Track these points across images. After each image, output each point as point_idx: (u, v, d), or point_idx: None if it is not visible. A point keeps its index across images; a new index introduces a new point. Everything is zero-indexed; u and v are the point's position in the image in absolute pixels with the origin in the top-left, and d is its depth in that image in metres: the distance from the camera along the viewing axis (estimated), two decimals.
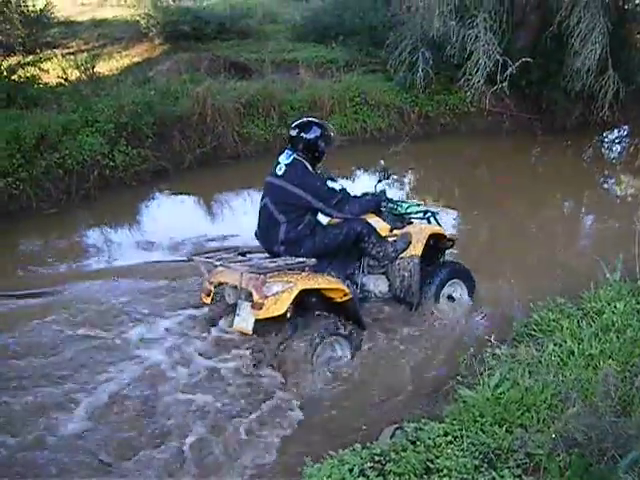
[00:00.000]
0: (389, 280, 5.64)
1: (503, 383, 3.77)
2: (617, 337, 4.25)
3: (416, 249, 5.49)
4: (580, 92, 12.39)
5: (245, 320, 4.77)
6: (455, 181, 10.39)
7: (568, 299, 5.18)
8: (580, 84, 11.83)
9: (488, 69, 11.18)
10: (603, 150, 13.68)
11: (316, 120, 5.42)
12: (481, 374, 3.97)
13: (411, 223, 5.80)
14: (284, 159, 5.14)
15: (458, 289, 5.87)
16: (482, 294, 6.03)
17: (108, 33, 16.91)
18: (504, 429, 3.34)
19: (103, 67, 13.11)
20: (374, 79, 12.55)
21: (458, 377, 4.21)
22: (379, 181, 6.04)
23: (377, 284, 5.65)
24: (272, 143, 10.63)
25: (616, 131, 14.15)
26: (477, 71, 11.17)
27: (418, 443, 3.27)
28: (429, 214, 5.95)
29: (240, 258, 5.07)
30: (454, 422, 3.48)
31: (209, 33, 14.98)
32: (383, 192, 5.87)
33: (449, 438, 3.31)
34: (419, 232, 5.61)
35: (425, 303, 5.58)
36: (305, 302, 4.88)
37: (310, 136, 5.16)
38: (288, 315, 4.66)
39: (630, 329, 4.34)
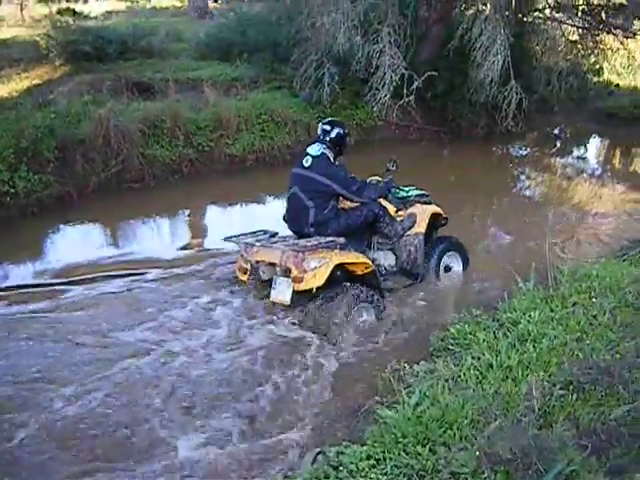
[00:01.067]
0: (396, 255, 6.50)
1: (423, 401, 3.68)
2: (534, 347, 4.23)
3: (420, 227, 6.43)
4: (484, 103, 12.64)
5: (282, 292, 5.60)
6: None
7: (483, 311, 5.16)
8: (484, 95, 12.03)
9: (394, 83, 11.22)
10: (509, 158, 13.93)
11: (340, 121, 6.69)
12: (401, 391, 3.87)
13: (413, 205, 6.58)
14: (313, 151, 5.99)
15: (454, 260, 6.79)
16: (394, 309, 6.03)
17: (6, 54, 16.29)
18: (427, 449, 3.24)
19: (1, 90, 12.61)
20: (280, 96, 12.41)
21: (377, 397, 4.12)
22: (387, 170, 6.66)
23: (386, 258, 6.54)
24: (178, 164, 10.38)
25: (521, 140, 14.46)
26: (383, 85, 11.21)
27: (341, 468, 3.17)
28: (429, 197, 6.74)
29: (274, 239, 6.02)
30: (376, 444, 3.35)
31: (111, 53, 14.51)
32: (391, 179, 6.64)
33: (372, 462, 3.20)
34: (422, 212, 6.51)
35: (427, 274, 6.45)
36: (333, 276, 5.56)
37: (340, 132, 6.12)
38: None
39: (546, 338, 4.33)
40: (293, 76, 12.28)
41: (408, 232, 6.38)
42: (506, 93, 11.76)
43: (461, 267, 6.82)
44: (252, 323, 5.66)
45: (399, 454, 3.24)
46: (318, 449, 3.66)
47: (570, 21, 14.38)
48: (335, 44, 11.26)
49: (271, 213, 8.54)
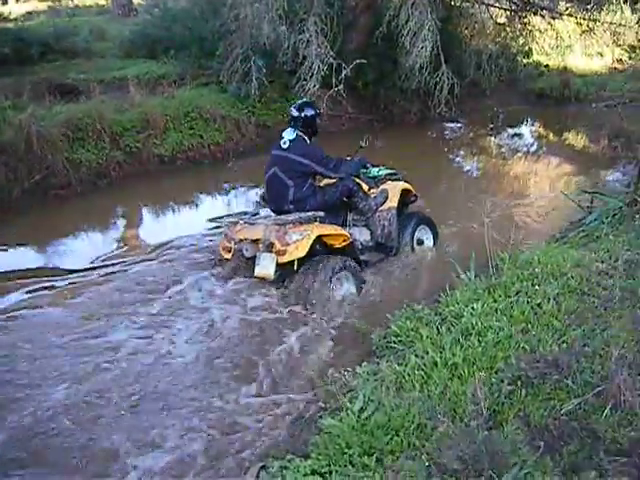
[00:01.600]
0: (371, 230, 6.82)
1: (367, 406, 3.50)
2: (479, 341, 4.06)
3: (392, 202, 6.78)
4: (416, 89, 12.55)
5: (266, 267, 5.82)
6: None
7: (425, 304, 5.01)
8: (415, 81, 11.94)
9: (323, 73, 11.03)
10: (444, 142, 13.87)
11: (310, 101, 7.20)
12: (344, 396, 3.70)
13: (384, 182, 6.95)
14: (288, 135, 6.30)
15: (426, 234, 7.20)
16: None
17: None
18: (374, 459, 3.05)
19: None
20: (208, 92, 12.09)
21: (320, 403, 3.94)
22: (360, 147, 7.03)
23: (362, 234, 6.84)
24: (106, 167, 9.94)
25: (454, 123, 14.45)
26: (312, 76, 10.99)
27: None
28: (398, 175, 7.14)
29: (256, 217, 6.38)
30: (320, 457, 3.17)
31: (32, 55, 13.98)
32: (363, 156, 6.98)
33: (316, 477, 3.03)
34: (393, 188, 6.89)
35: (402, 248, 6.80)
36: (313, 248, 5.93)
37: (309, 114, 6.34)
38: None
39: (491, 331, 4.16)
40: (220, 71, 11.95)
41: (381, 207, 6.74)
42: (437, 78, 11.69)
43: (432, 241, 7.22)
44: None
45: (345, 466, 3.07)
46: (261, 463, 3.50)
47: (497, 4, 14.40)
48: (260, 36, 11.05)
49: (204, 212, 8.30)
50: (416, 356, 4.04)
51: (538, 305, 4.53)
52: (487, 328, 4.22)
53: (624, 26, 14.86)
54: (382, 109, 13.60)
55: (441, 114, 12.39)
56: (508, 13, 14.70)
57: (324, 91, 11.48)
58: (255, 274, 5.92)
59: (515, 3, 14.40)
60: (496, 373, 3.71)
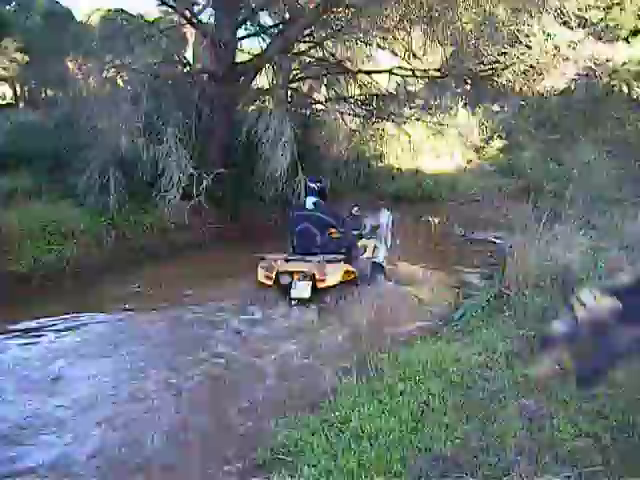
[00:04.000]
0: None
1: None
2: (371, 445, 3.96)
3: (368, 253, 9.64)
4: (275, 197, 12.63)
5: (303, 291, 8.06)
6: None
7: (309, 411, 4.87)
8: (273, 189, 12.03)
9: (183, 184, 10.95)
10: None
11: (318, 177, 9.49)
12: None
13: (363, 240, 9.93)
14: (310, 200, 8.88)
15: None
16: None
17: None
18: None
19: None
20: (65, 205, 11.62)
21: None
22: (352, 214, 10.13)
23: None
24: None
25: None
26: (172, 187, 10.89)
27: None
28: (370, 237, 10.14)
29: (294, 257, 8.66)
30: None
31: None
32: (357, 219, 10.17)
33: None
34: (370, 245, 9.85)
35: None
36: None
37: (323, 185, 9.13)
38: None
39: (381, 434, 4.08)
40: (77, 184, 11.58)
41: (362, 256, 9.48)
42: (294, 186, 11.83)
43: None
44: None
45: None
46: None
47: (350, 111, 14.94)
48: (118, 148, 10.87)
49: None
50: (308, 466, 3.88)
51: (424, 403, 4.51)
52: (377, 430, 4.14)
53: (470, 128, 15.83)
54: (243, 218, 13.58)
55: None
56: (360, 119, 15.28)
57: (185, 202, 11.36)
58: (292, 296, 8.06)
59: (367, 110, 15.01)
60: (395, 476, 3.61)
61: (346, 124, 15.22)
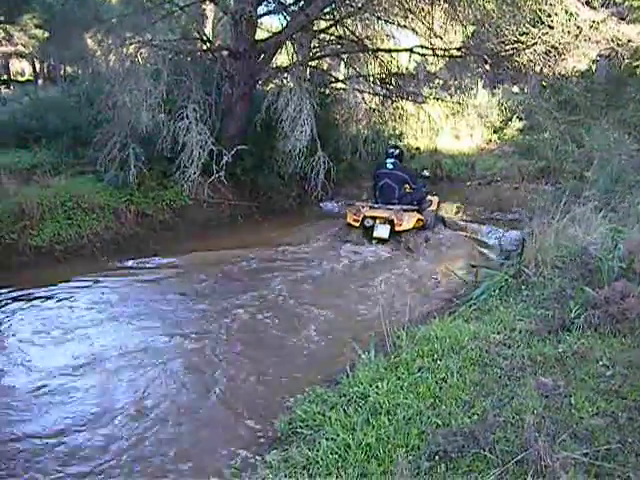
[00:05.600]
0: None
1: None
2: (389, 420, 4.00)
3: (433, 206, 11.93)
4: (294, 174, 12.64)
5: (383, 232, 10.61)
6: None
7: (328, 387, 4.91)
8: (292, 167, 12.01)
9: (203, 160, 10.93)
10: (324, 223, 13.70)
11: (395, 144, 13.66)
12: None
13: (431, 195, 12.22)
14: (389, 161, 11.54)
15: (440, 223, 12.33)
16: (233, 393, 5.56)
17: None
18: None
19: None
20: (85, 180, 11.70)
21: None
22: (423, 176, 12.68)
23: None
24: None
25: (331, 204, 14.60)
26: (192, 163, 10.85)
27: None
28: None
29: (377, 205, 11.23)
30: None
31: None
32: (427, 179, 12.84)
33: None
34: (435, 200, 12.18)
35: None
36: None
37: (398, 151, 11.87)
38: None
39: (399, 409, 4.12)
40: (97, 159, 11.58)
41: (429, 208, 11.67)
42: (314, 163, 11.77)
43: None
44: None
45: None
46: None
47: (370, 90, 14.89)
48: (139, 123, 10.86)
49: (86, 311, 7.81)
50: (327, 439, 3.92)
51: (443, 379, 4.54)
52: (395, 406, 4.18)
53: (490, 108, 15.76)
54: (262, 195, 13.58)
55: (317, 197, 12.46)
56: (380, 98, 15.22)
57: (205, 178, 11.37)
58: (374, 235, 10.64)
59: (386, 89, 14.96)
60: (412, 450, 3.64)
61: (365, 102, 15.13)
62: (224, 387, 5.59)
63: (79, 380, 5.66)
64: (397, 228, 10.52)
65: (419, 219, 10.99)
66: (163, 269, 9.45)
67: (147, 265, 9.64)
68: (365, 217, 10.78)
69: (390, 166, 11.42)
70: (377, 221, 10.70)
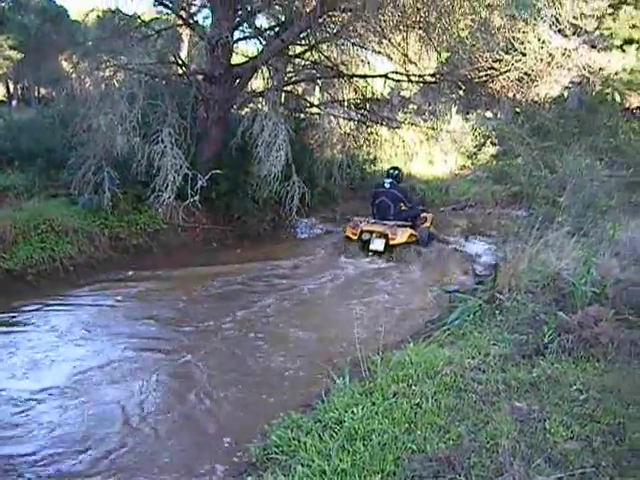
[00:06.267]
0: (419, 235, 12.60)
1: None
2: (364, 445, 3.97)
3: (427, 223, 13.01)
4: (268, 199, 12.65)
5: (378, 245, 11.81)
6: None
7: (303, 412, 4.90)
8: (267, 191, 12.00)
9: (177, 184, 10.88)
10: (297, 247, 13.79)
11: (395, 166, 13.77)
12: None
13: (424, 212, 13.46)
14: (387, 181, 12.92)
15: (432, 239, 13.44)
16: (206, 417, 5.56)
17: None
18: None
19: None
20: (58, 204, 11.57)
21: None
22: (417, 194, 14.93)
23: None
24: None
25: (304, 224, 14.74)
26: (167, 187, 10.78)
27: None
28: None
29: (373, 221, 12.56)
30: None
31: None
32: (421, 198, 15.20)
33: None
34: (429, 217, 13.27)
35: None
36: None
37: (397, 173, 13.25)
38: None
39: (375, 434, 4.09)
40: (71, 182, 11.48)
41: (422, 225, 12.78)
42: (289, 188, 11.77)
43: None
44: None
45: None
46: None
47: (345, 115, 14.98)
48: (113, 147, 10.83)
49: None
50: (302, 465, 3.90)
51: (418, 405, 4.53)
52: (371, 431, 4.15)
53: (463, 134, 15.94)
54: (236, 219, 13.55)
55: (290, 222, 12.70)
56: (354, 123, 15.34)
57: (179, 202, 11.31)
58: (371, 248, 11.83)
59: (361, 114, 15.08)
60: (388, 476, 3.63)
61: (340, 127, 15.24)
62: (199, 411, 5.59)
63: (33, 410, 5.58)
64: (391, 242, 11.75)
65: (412, 234, 12.18)
66: (137, 292, 9.43)
67: (121, 289, 9.59)
68: (363, 231, 12.07)
69: (387, 185, 12.82)
70: (373, 235, 11.94)
